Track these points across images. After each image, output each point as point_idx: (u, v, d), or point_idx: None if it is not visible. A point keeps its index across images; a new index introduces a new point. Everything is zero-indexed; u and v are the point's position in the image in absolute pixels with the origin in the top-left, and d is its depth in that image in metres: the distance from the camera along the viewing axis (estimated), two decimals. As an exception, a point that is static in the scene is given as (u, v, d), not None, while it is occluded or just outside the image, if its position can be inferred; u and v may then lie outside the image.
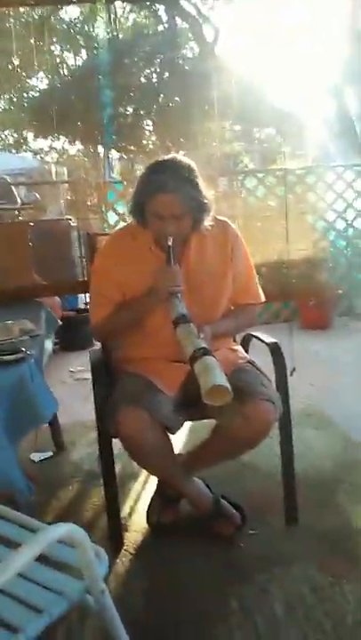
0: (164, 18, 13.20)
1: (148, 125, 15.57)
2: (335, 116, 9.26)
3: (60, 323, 2.62)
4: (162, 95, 14.71)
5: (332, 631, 1.64)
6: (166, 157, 1.97)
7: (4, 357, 1.72)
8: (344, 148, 7.85)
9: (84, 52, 14.02)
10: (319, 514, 2.19)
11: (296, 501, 2.14)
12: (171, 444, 1.98)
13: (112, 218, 4.48)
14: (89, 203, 4.43)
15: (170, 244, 1.92)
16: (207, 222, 2.00)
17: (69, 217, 4.70)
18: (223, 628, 1.68)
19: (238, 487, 2.38)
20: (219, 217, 2.08)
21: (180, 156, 1.98)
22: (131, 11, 13.33)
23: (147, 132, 15.61)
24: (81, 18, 13.39)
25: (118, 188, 4.53)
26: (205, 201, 1.96)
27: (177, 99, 14.57)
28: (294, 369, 2.46)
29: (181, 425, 1.97)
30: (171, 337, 1.95)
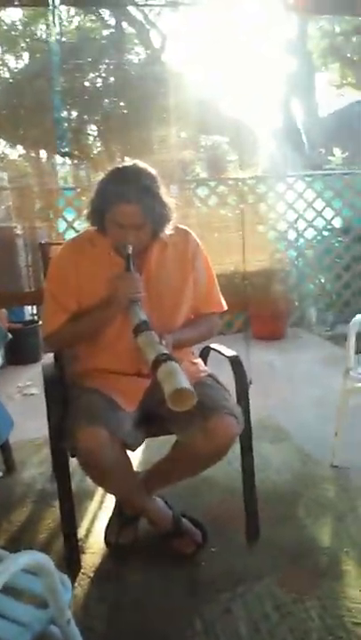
0: (111, 22, 13.13)
1: (92, 131, 15.44)
2: (283, 127, 9.42)
3: (11, 336, 2.52)
4: (106, 100, 14.63)
5: (298, 649, 1.62)
6: (127, 164, 1.92)
7: None
8: (292, 158, 7.97)
9: (26, 54, 13.78)
10: (279, 529, 2.18)
11: (258, 517, 2.12)
12: (130, 462, 1.92)
13: (62, 226, 4.38)
14: (35, 210, 4.31)
15: (129, 252, 1.87)
16: (167, 231, 1.96)
17: (14, 225, 4.57)
18: (188, 652, 1.63)
19: (197, 502, 2.34)
20: (180, 225, 2.05)
21: (142, 164, 1.93)
22: (75, 14, 13.18)
23: (91, 138, 15.48)
24: (24, 20, 13.16)
25: (68, 194, 4.43)
26: (166, 211, 1.92)
27: (122, 104, 14.52)
28: (251, 381, 2.44)
29: (141, 442, 1.92)
30: (129, 348, 1.91)
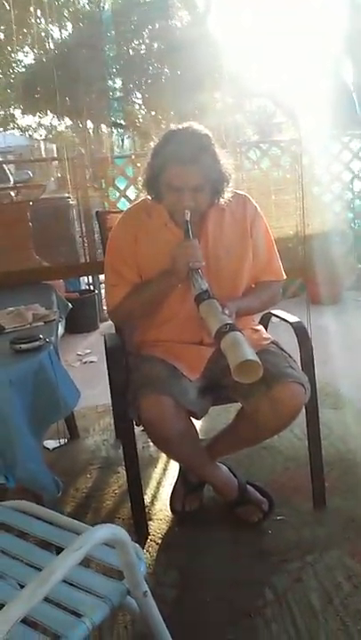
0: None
1: (137, 99, 15.26)
2: (333, 87, 9.08)
3: (71, 306, 2.52)
4: (150, 67, 14.41)
5: (372, 620, 1.59)
6: (182, 126, 1.86)
7: (23, 346, 1.62)
8: (343, 118, 7.68)
9: (69, 25, 13.65)
10: (346, 497, 2.13)
11: (324, 485, 2.08)
12: (195, 430, 1.91)
13: (113, 195, 4.34)
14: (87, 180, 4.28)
15: (187, 218, 1.82)
16: (226, 194, 1.90)
17: (67, 195, 4.55)
18: (260, 620, 1.62)
19: (260, 470, 2.32)
20: (237, 191, 1.98)
21: (197, 125, 1.87)
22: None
23: (137, 106, 15.31)
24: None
25: (118, 163, 4.38)
26: (224, 172, 1.86)
27: (166, 70, 14.27)
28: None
29: (207, 410, 1.90)
30: (191, 317, 1.87)
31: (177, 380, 1.79)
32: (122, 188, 4.36)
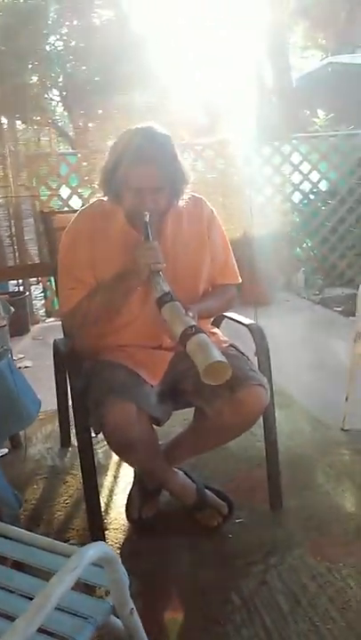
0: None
1: (55, 96, 14.97)
2: (255, 90, 9.24)
3: (13, 310, 2.40)
4: (68, 65, 14.16)
5: (340, 618, 1.60)
6: (141, 126, 1.81)
7: (-21, 354, 1.53)
8: (265, 122, 7.84)
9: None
10: (302, 496, 2.15)
11: (280, 485, 2.09)
12: (156, 436, 1.87)
13: (44, 193, 4.22)
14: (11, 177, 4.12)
15: (147, 219, 1.78)
16: (185, 196, 1.87)
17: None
18: (230, 627, 1.60)
19: (213, 474, 2.30)
20: (193, 194, 1.95)
21: (157, 125, 1.82)
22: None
23: (53, 103, 15.01)
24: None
25: (72, 160, 4.26)
26: (184, 173, 1.83)
27: (84, 68, 14.07)
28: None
29: (169, 416, 1.86)
30: (150, 321, 1.84)
31: (139, 386, 1.75)
32: (54, 186, 4.24)
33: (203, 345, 1.61)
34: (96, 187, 3.95)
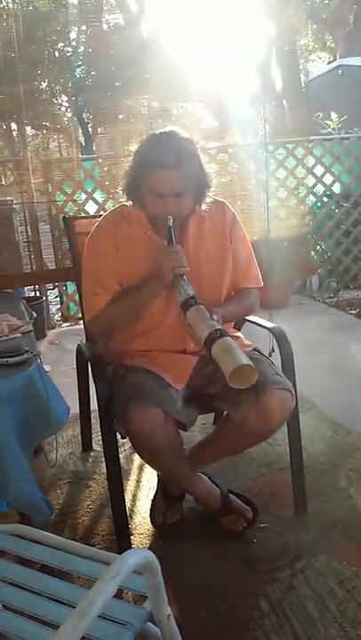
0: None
1: (64, 101, 15.03)
2: (263, 93, 9.26)
3: (35, 315, 2.41)
4: (77, 70, 14.23)
5: (371, 624, 1.59)
6: (164, 130, 1.82)
7: (10, 360, 1.53)
8: (274, 125, 7.86)
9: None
10: (326, 501, 2.14)
11: (305, 490, 2.08)
12: (182, 441, 1.86)
13: (60, 198, 4.23)
14: (33, 183, 4.14)
15: (170, 224, 1.78)
16: (208, 200, 1.88)
17: (9, 198, 4.40)
18: (259, 632, 1.59)
19: (235, 479, 2.29)
20: (216, 198, 1.96)
21: (179, 129, 1.83)
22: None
23: (62, 108, 15.06)
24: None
25: (87, 166, 4.27)
26: (207, 177, 1.84)
27: (93, 73, 14.12)
28: (273, 349, 2.38)
29: (194, 421, 1.86)
30: (174, 325, 1.85)
31: (164, 390, 1.75)
32: (69, 192, 4.25)
33: (229, 348, 1.61)
34: (115, 192, 3.96)
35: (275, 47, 9.35)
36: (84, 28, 14.16)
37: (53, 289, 4.92)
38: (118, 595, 1.20)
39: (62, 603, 1.17)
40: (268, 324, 2.10)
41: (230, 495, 2.02)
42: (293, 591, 1.73)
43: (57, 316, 4.80)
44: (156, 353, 1.87)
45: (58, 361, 3.64)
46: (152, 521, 2.06)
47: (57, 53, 13.94)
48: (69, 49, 14.20)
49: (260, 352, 1.96)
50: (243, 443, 1.92)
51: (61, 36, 13.64)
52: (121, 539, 1.90)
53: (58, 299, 4.84)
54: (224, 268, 1.94)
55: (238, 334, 2.06)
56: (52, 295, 5.14)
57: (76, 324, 4.45)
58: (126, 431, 1.72)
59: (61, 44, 13.94)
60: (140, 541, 1.99)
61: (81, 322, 4.14)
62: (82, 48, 14.44)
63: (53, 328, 4.54)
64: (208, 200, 1.90)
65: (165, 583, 1.67)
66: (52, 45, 13.41)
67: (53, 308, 4.99)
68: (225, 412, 1.93)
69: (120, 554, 1.78)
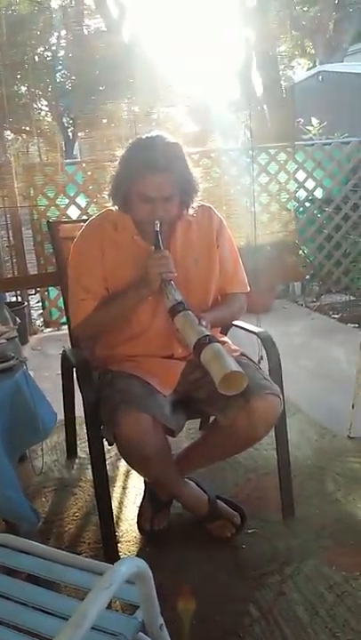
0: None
1: (44, 106, 14.99)
2: (243, 98, 9.26)
3: (19, 320, 2.38)
4: (58, 75, 14.20)
5: (361, 628, 1.59)
6: (151, 134, 1.82)
7: (-3, 366, 1.51)
8: (256, 130, 7.85)
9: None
10: (312, 504, 2.14)
11: (292, 495, 2.08)
12: (169, 447, 1.85)
13: (42, 203, 4.19)
14: (16, 187, 4.10)
15: (157, 228, 1.77)
16: (195, 204, 1.87)
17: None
18: (250, 639, 1.58)
19: (223, 484, 2.28)
20: (203, 203, 1.95)
21: (165, 133, 1.82)
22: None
23: (43, 113, 15.02)
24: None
25: (69, 170, 4.24)
26: (194, 181, 1.83)
27: (74, 78, 14.11)
28: (262, 357, 2.38)
29: (182, 426, 1.84)
30: (161, 330, 1.84)
31: (153, 396, 1.73)
32: (51, 195, 4.21)
33: (218, 355, 1.60)
34: (98, 196, 3.94)
35: (255, 53, 9.35)
36: (64, 32, 14.16)
37: (35, 294, 4.88)
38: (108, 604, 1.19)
39: (50, 613, 1.15)
40: (256, 329, 2.09)
41: (218, 501, 2.01)
42: (283, 597, 1.72)
43: (39, 322, 4.75)
44: (144, 358, 1.85)
45: (40, 367, 3.59)
46: (139, 528, 2.04)
47: (37, 58, 13.91)
48: (49, 53, 14.20)
49: (247, 357, 1.96)
50: (231, 448, 1.91)
51: (41, 41, 13.62)
52: (108, 546, 1.88)
53: (40, 304, 4.80)
54: (211, 273, 1.93)
55: (225, 339, 2.05)
56: (34, 300, 5.10)
57: (58, 330, 4.41)
58: (114, 437, 1.70)
59: (41, 49, 13.91)
60: (128, 549, 1.97)
61: (63, 327, 4.13)
62: (62, 52, 14.44)
63: (35, 334, 4.49)
64: (195, 205, 1.89)
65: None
66: (33, 50, 13.38)
67: (35, 314, 4.95)
68: (212, 418, 1.91)
69: (107, 561, 1.77)
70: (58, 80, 14.45)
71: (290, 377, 3.31)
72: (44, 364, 3.69)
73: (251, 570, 1.84)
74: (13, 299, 4.53)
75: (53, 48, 14.29)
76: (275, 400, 1.76)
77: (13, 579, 1.25)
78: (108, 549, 1.88)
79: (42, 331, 4.59)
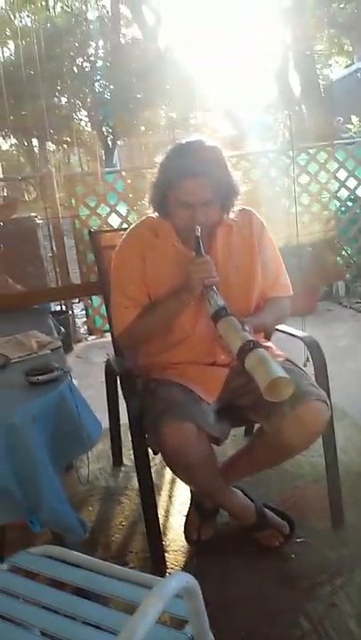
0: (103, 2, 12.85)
1: (83, 116, 15.19)
2: (282, 100, 9.23)
3: (63, 330, 2.40)
4: (96, 85, 14.39)
5: None
6: (190, 139, 1.80)
7: (41, 377, 1.51)
8: (295, 131, 7.79)
9: (11, 43, 13.47)
10: (363, 513, 2.08)
11: (341, 502, 2.03)
12: (215, 456, 1.83)
13: (83, 212, 4.23)
14: (57, 198, 4.16)
15: (198, 234, 1.75)
16: (236, 208, 1.85)
17: (33, 214, 4.43)
18: (302, 653, 1.54)
19: (269, 492, 2.24)
20: (244, 206, 1.93)
21: (205, 138, 1.81)
22: (62, -3, 12.90)
23: (83, 123, 15.24)
24: (8, 7, 12.86)
25: (109, 179, 4.28)
26: (235, 185, 1.81)
27: (112, 87, 14.26)
28: (308, 359, 2.33)
29: (227, 434, 1.82)
30: (204, 337, 1.82)
31: (196, 404, 1.72)
32: (92, 206, 4.25)
33: (263, 360, 1.57)
34: (140, 203, 3.95)
35: (292, 53, 9.30)
36: (101, 42, 14.35)
37: (79, 302, 4.93)
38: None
39: (99, 628, 1.14)
40: (300, 334, 2.05)
41: (265, 509, 1.97)
42: (335, 608, 1.67)
43: (83, 330, 4.80)
44: (186, 365, 1.84)
45: (85, 375, 3.63)
46: (186, 538, 2.02)
47: (76, 69, 14.11)
48: (88, 64, 14.39)
49: (292, 362, 1.92)
50: (278, 456, 1.87)
51: (80, 52, 13.82)
52: (155, 558, 1.87)
53: (83, 312, 4.85)
54: (253, 278, 1.90)
55: (269, 344, 2.02)
56: (78, 309, 5.15)
57: (102, 337, 4.44)
58: (158, 446, 1.69)
59: (80, 60, 14.11)
60: (175, 559, 1.96)
61: (107, 335, 4.15)
62: (100, 62, 14.63)
63: (80, 342, 4.54)
64: (236, 208, 1.87)
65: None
66: (71, 61, 13.59)
67: (79, 322, 5.00)
68: (258, 425, 1.89)
69: (155, 573, 1.77)
70: (97, 90, 14.69)
71: (336, 381, 3.24)
72: (88, 371, 3.72)
73: (300, 580, 1.80)
74: (58, 307, 4.59)
75: (92, 58, 14.50)
76: (321, 406, 1.72)
77: (61, 591, 1.25)
78: (156, 560, 1.87)
79: (86, 339, 4.63)
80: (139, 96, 12.49)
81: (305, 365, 2.05)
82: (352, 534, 1.98)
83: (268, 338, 2.16)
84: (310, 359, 2.02)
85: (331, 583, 1.77)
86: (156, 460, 2.40)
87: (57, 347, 1.82)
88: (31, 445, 1.37)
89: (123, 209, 4.39)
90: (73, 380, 1.70)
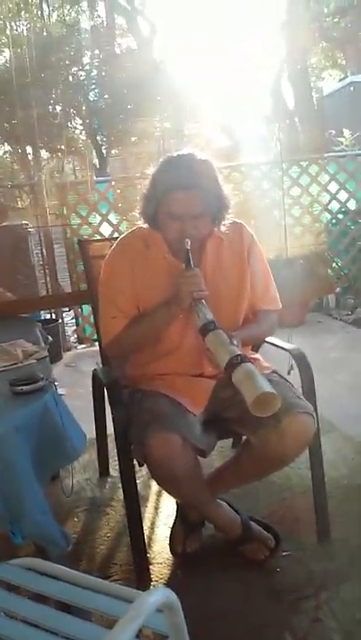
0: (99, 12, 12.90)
1: (78, 125, 15.23)
2: (275, 112, 9.28)
3: (51, 339, 2.39)
4: (91, 94, 14.44)
5: None
6: (182, 152, 1.80)
7: (25, 387, 1.50)
8: (287, 143, 7.84)
9: (6, 51, 13.50)
10: (349, 526, 2.08)
11: (328, 516, 2.02)
12: (200, 468, 1.82)
13: (75, 221, 4.23)
14: (48, 206, 4.16)
15: (188, 247, 1.75)
16: (226, 221, 1.85)
17: (24, 222, 4.42)
18: (286, 668, 1.53)
19: (256, 504, 2.23)
20: (234, 219, 1.93)
21: (197, 151, 1.81)
22: (59, 6, 12.95)
23: (77, 132, 15.27)
24: (2, 16, 12.90)
25: (101, 188, 4.28)
26: (225, 198, 1.81)
27: (106, 96, 14.32)
28: (292, 367, 2.33)
29: (213, 447, 1.82)
30: (192, 349, 1.82)
31: (182, 416, 1.71)
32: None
33: (250, 375, 1.57)
34: (130, 213, 3.96)
35: (286, 66, 9.37)
36: (97, 52, 14.41)
37: (69, 311, 4.92)
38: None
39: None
40: (288, 346, 2.05)
41: (251, 522, 1.96)
42: (319, 623, 1.66)
43: (73, 338, 4.78)
44: (174, 376, 1.83)
45: (74, 383, 3.62)
46: (171, 550, 2.01)
47: (71, 77, 14.15)
48: (82, 73, 14.43)
49: (278, 374, 1.92)
50: (264, 468, 1.86)
51: (75, 61, 13.87)
52: (140, 570, 1.86)
53: (73, 320, 4.84)
54: (242, 291, 1.91)
55: (257, 356, 2.02)
56: (68, 317, 5.14)
57: (92, 346, 4.43)
58: (144, 458, 1.68)
59: (75, 69, 14.16)
60: (160, 571, 1.94)
61: (97, 343, 4.14)
62: (95, 72, 14.68)
63: (69, 350, 4.52)
64: (226, 221, 1.87)
65: (186, 616, 1.63)
66: (66, 70, 13.63)
67: (69, 330, 4.99)
68: (244, 437, 1.88)
69: (139, 586, 1.75)
70: (91, 99, 14.73)
71: (324, 393, 3.24)
72: (77, 380, 3.71)
73: (285, 594, 1.78)
74: (48, 315, 4.58)
75: (87, 67, 14.55)
76: (308, 419, 1.72)
77: (42, 605, 1.23)
78: (140, 573, 1.85)
79: (76, 347, 4.62)
80: (129, 107, 12.53)
81: (288, 374, 2.05)
82: (338, 548, 1.97)
83: (255, 350, 2.16)
84: (294, 368, 2.02)
85: (316, 597, 1.76)
86: (142, 472, 2.38)
87: (43, 356, 1.81)
88: (14, 456, 1.36)
89: (114, 219, 4.39)
90: (59, 390, 1.69)
